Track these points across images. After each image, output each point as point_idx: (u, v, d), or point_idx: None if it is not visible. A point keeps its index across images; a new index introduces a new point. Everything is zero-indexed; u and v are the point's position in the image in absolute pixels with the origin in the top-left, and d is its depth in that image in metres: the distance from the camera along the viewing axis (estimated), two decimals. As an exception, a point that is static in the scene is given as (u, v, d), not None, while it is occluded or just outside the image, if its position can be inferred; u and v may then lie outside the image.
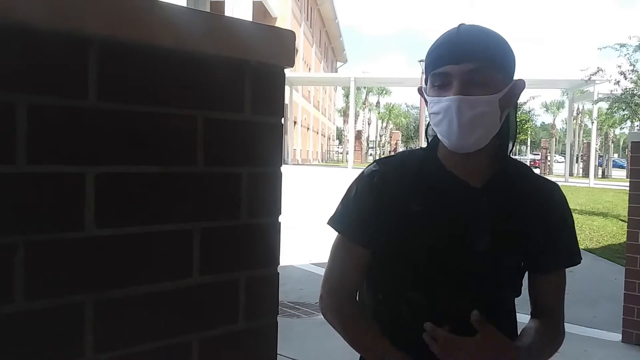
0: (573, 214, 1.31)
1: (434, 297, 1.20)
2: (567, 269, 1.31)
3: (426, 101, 1.21)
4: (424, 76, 1.27)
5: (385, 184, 1.23)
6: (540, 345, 1.26)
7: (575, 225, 1.31)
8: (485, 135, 1.16)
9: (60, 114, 0.59)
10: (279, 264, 0.78)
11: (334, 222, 1.28)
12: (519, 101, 1.29)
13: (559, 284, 1.31)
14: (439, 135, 1.19)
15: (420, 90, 1.26)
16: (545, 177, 1.39)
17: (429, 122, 1.24)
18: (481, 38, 1.15)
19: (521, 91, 1.22)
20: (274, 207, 0.78)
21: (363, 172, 1.28)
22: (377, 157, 1.36)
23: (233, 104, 0.73)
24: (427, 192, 1.21)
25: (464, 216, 1.20)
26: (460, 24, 1.18)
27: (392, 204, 1.21)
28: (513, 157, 1.31)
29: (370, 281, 1.30)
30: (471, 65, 1.12)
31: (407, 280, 1.22)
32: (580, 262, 1.30)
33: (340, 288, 1.28)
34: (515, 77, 1.20)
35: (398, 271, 1.24)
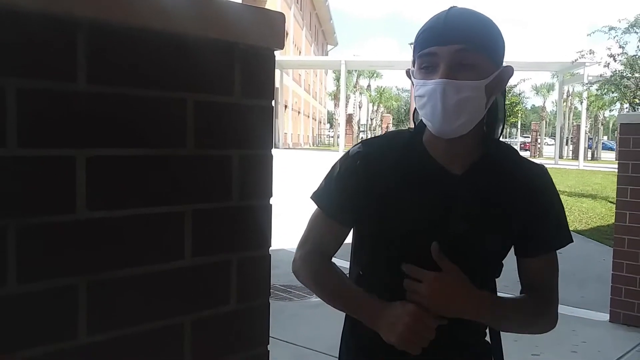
0: (562, 196, 1.31)
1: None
2: (557, 251, 1.29)
3: (413, 84, 1.21)
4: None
5: (367, 167, 1.24)
6: (518, 309, 1.25)
7: (565, 208, 1.30)
8: (469, 121, 1.15)
9: (50, 97, 0.59)
10: (270, 245, 0.79)
11: (316, 197, 1.31)
12: (509, 84, 1.30)
13: (549, 267, 1.28)
14: (423, 119, 1.19)
15: (408, 73, 1.25)
16: (533, 160, 1.36)
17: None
18: (471, 21, 1.14)
19: (509, 77, 1.21)
20: (265, 189, 0.78)
21: (348, 151, 1.30)
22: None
23: (223, 87, 0.73)
24: (407, 176, 1.22)
25: (442, 202, 1.20)
26: (451, 7, 1.17)
27: (373, 186, 1.22)
28: (501, 140, 1.30)
29: (353, 256, 1.33)
30: (458, 46, 1.11)
31: (384, 261, 1.25)
32: (567, 244, 1.28)
33: (314, 251, 1.30)
34: (506, 61, 1.19)
35: (376, 251, 1.26)
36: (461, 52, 1.11)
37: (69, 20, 0.59)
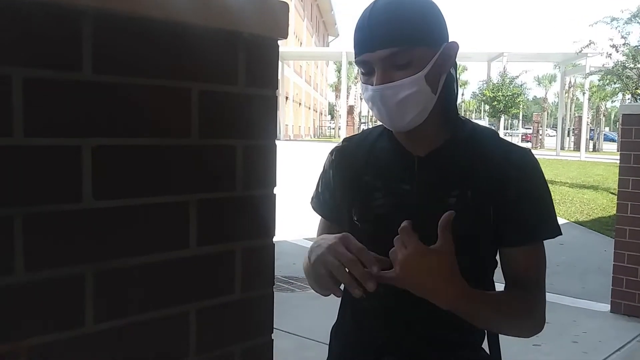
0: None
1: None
2: (555, 242, 1.22)
3: None
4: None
5: (342, 159, 1.28)
6: (499, 305, 1.13)
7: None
8: (420, 113, 1.13)
9: (55, 86, 0.59)
10: (274, 234, 0.79)
11: (311, 201, 1.36)
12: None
13: (532, 260, 1.18)
14: None
15: None
16: (517, 144, 1.30)
17: None
18: (393, 19, 1.08)
19: (455, 52, 1.16)
20: (269, 179, 0.78)
21: (330, 150, 1.34)
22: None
23: (227, 77, 0.73)
24: (376, 164, 1.23)
25: (406, 187, 1.19)
26: (374, 2, 1.12)
27: (347, 177, 1.25)
28: (477, 123, 1.26)
29: None
30: (387, 51, 1.08)
31: None
32: (554, 236, 1.18)
33: None
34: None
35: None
36: (391, 57, 1.08)
37: (74, 10, 0.59)
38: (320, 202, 1.33)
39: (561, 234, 1.20)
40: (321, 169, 1.34)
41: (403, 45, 1.08)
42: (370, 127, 1.43)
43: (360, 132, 1.37)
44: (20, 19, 0.56)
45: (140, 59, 0.65)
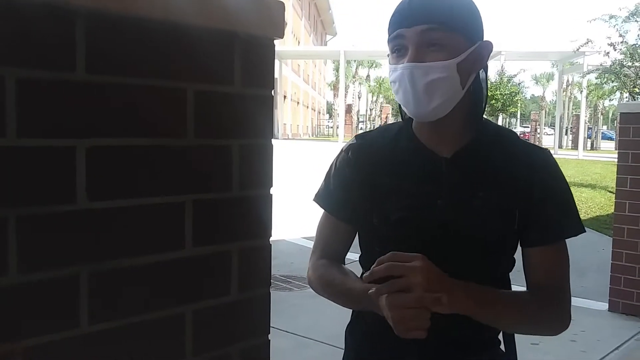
0: None
1: None
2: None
3: None
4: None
5: (359, 158, 1.24)
6: (518, 306, 1.13)
7: None
8: (445, 102, 1.12)
9: (49, 87, 0.58)
10: (271, 235, 0.79)
11: (318, 198, 1.31)
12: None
13: (556, 260, 1.18)
14: (400, 105, 1.18)
15: (389, 59, 1.23)
16: (536, 145, 1.30)
17: None
18: (435, 1, 1.11)
19: (489, 53, 1.16)
20: (266, 179, 0.78)
21: (343, 147, 1.30)
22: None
23: (223, 76, 0.73)
24: (397, 164, 1.20)
25: (432, 187, 1.17)
26: None
27: (365, 177, 1.22)
28: (498, 124, 1.27)
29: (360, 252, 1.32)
30: (424, 27, 1.08)
31: (377, 251, 1.22)
32: (578, 233, 1.18)
33: (322, 257, 1.29)
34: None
35: (370, 243, 1.25)
36: (427, 32, 1.09)
37: (67, 10, 0.59)
38: (332, 200, 1.28)
39: (585, 231, 1.20)
40: (330, 165, 1.30)
41: (440, 25, 1.08)
42: (388, 123, 1.38)
43: (374, 129, 1.34)
44: (13, 19, 0.56)
45: (134, 59, 0.64)
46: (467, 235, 1.15)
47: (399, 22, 1.12)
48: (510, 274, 1.25)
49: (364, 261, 1.28)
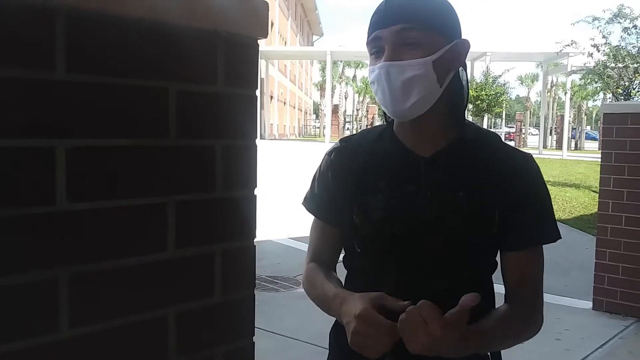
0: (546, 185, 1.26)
1: (380, 269, 1.19)
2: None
3: None
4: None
5: (341, 160, 1.25)
6: (502, 331, 1.12)
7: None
8: (422, 100, 1.12)
9: (28, 86, 0.57)
10: (255, 236, 0.78)
11: (305, 202, 1.33)
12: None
13: (532, 264, 1.19)
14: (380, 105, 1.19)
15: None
16: (519, 148, 1.30)
17: None
18: (410, 1, 1.12)
19: (466, 51, 1.17)
20: (249, 179, 0.77)
21: (327, 151, 1.31)
22: (354, 131, 1.36)
23: (206, 76, 0.72)
24: (379, 164, 1.21)
25: (411, 187, 1.17)
26: None
27: (349, 179, 1.22)
28: (481, 126, 1.29)
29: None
30: (399, 26, 1.10)
31: (356, 252, 1.24)
32: (554, 240, 1.19)
33: (312, 262, 1.30)
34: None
35: (351, 244, 1.26)
36: (403, 32, 1.10)
37: (47, 8, 0.58)
38: (318, 204, 1.29)
39: (561, 237, 1.20)
40: (315, 169, 1.31)
41: (415, 24, 1.10)
42: (372, 126, 1.40)
43: (358, 132, 1.35)
44: (-10, 17, 0.54)
45: (115, 58, 0.64)
46: (447, 236, 1.16)
47: (376, 24, 1.13)
48: (492, 275, 1.26)
49: (347, 262, 1.29)
